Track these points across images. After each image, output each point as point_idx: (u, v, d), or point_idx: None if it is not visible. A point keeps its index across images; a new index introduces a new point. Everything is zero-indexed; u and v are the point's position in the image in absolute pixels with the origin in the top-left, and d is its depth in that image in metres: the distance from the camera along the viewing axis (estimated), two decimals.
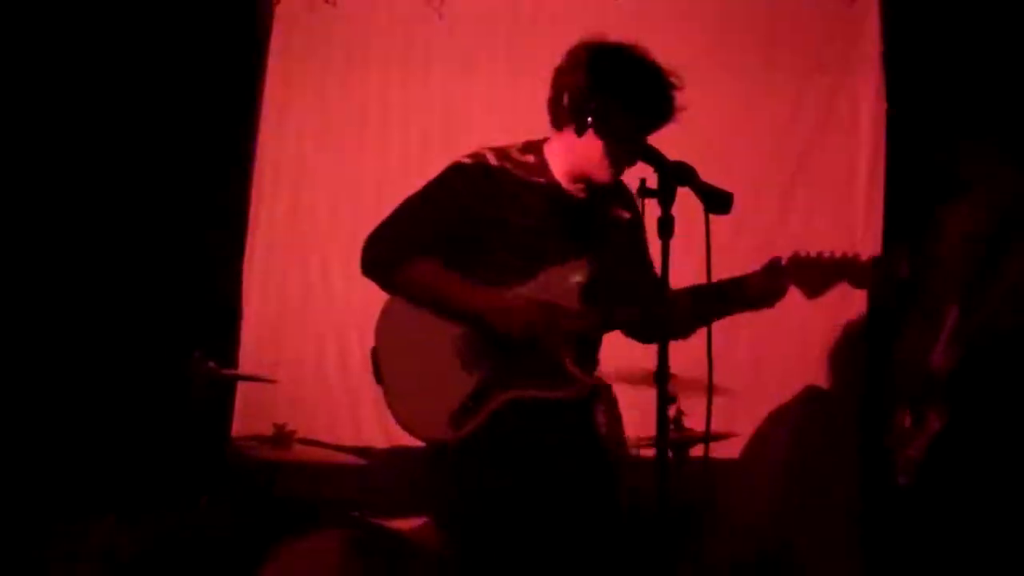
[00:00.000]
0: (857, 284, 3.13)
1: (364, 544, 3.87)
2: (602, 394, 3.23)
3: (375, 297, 3.24)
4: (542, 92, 3.21)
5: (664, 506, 2.69)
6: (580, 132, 3.08)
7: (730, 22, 4.94)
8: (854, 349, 4.84)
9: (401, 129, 5.03)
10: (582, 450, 3.17)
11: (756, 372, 4.77)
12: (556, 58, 3.19)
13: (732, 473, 4.70)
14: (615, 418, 3.26)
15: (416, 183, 3.25)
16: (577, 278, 3.12)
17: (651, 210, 2.77)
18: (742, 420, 4.66)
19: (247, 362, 4.91)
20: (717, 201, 2.70)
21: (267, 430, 4.14)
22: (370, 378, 4.85)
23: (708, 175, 2.79)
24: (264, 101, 5.08)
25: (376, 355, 3.21)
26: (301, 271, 5.01)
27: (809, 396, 4.88)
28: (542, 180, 3.18)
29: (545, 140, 3.24)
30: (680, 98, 3.11)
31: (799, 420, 4.85)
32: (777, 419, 4.86)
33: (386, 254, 3.16)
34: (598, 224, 3.19)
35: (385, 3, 5.08)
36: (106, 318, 4.87)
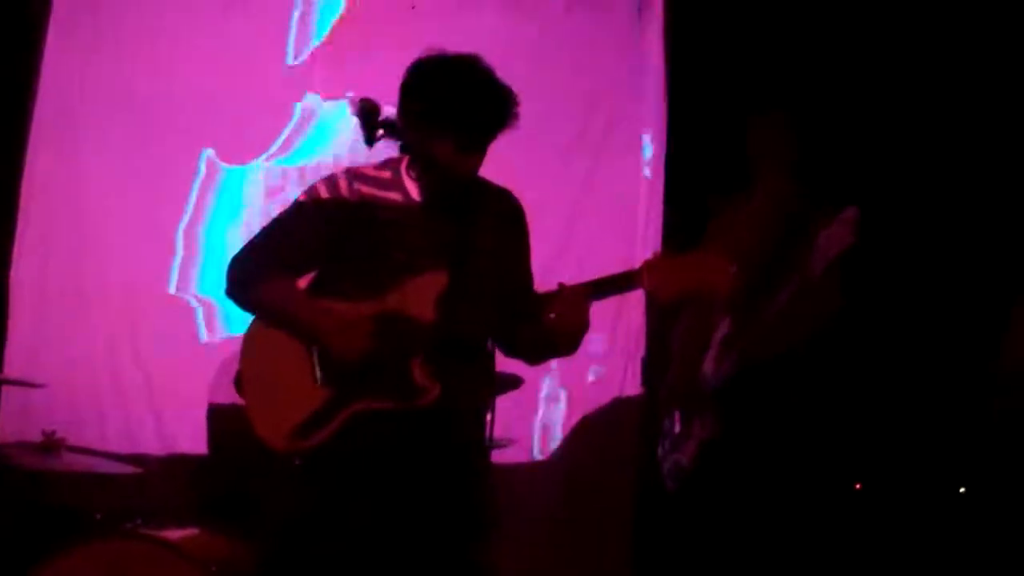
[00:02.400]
0: (715, 285, 3.00)
1: (132, 557, 3.77)
2: (462, 402, 3.17)
3: (151, 302, 3.20)
4: None
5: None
6: (404, 146, 3.13)
7: (516, 47, 4.95)
8: (632, 357, 4.98)
9: (188, 118, 4.93)
10: (433, 462, 3.15)
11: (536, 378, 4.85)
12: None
13: (515, 479, 4.77)
14: (474, 425, 3.21)
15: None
16: (433, 289, 3.12)
17: None
18: (520, 427, 4.75)
19: (13, 365, 4.72)
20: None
21: (35, 437, 4.00)
22: (145, 384, 4.82)
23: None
24: (41, 82, 4.90)
25: (239, 376, 3.23)
26: (74, 272, 4.85)
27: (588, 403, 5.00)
28: (397, 195, 3.20)
29: (403, 158, 3.24)
30: (505, 96, 3.11)
31: (577, 427, 4.96)
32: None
33: (242, 276, 3.21)
34: (458, 234, 3.18)
35: None
36: None
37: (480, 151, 3.11)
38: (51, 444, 3.96)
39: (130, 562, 3.71)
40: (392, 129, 3.07)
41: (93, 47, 4.93)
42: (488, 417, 3.17)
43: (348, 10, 5.07)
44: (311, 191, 3.21)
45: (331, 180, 3.21)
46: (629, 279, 3.00)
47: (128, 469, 4.17)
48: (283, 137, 5.00)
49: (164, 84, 4.92)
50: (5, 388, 4.67)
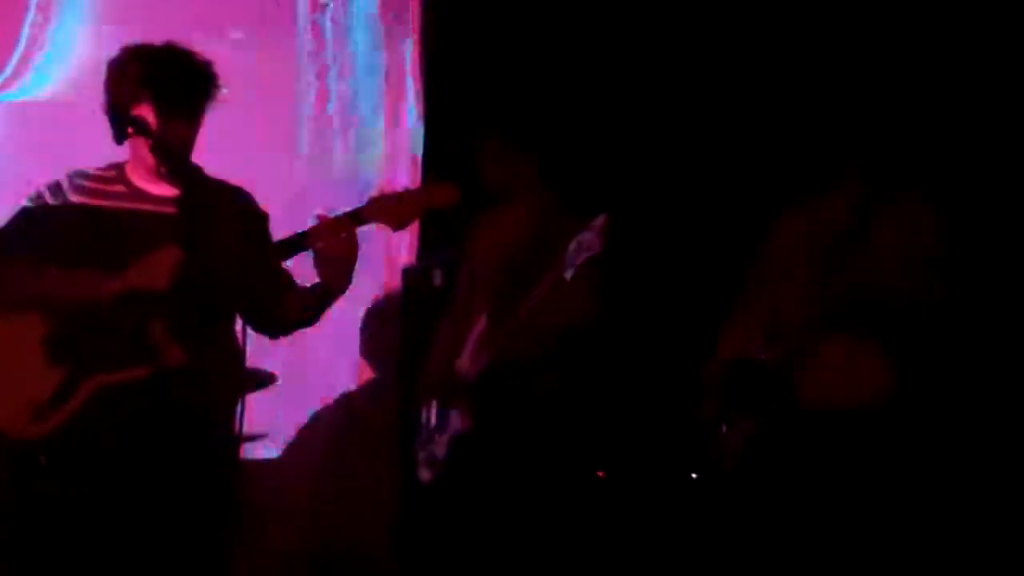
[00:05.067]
0: (444, 205, 3.31)
1: None
2: (206, 365, 3.23)
3: None
4: None
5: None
6: (119, 138, 3.22)
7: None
8: (390, 352, 5.06)
9: None
10: (177, 433, 3.19)
11: (297, 373, 4.88)
12: None
13: (273, 472, 4.79)
14: (220, 392, 3.27)
15: None
16: (167, 260, 3.15)
17: None
18: (284, 419, 4.79)
19: None
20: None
21: None
22: None
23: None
24: None
25: None
26: None
27: (348, 397, 5.06)
28: (120, 187, 3.28)
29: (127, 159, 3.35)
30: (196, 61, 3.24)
31: (337, 420, 5.02)
32: (315, 419, 5.01)
33: None
34: (188, 215, 3.22)
35: None
36: None
37: (183, 117, 3.19)
38: None
39: None
40: (140, 127, 3.11)
41: None
42: (237, 408, 3.23)
43: None
44: (34, 196, 3.27)
45: (55, 184, 3.27)
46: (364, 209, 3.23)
47: None
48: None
49: None
50: None
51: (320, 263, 3.23)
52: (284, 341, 4.56)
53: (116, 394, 3.15)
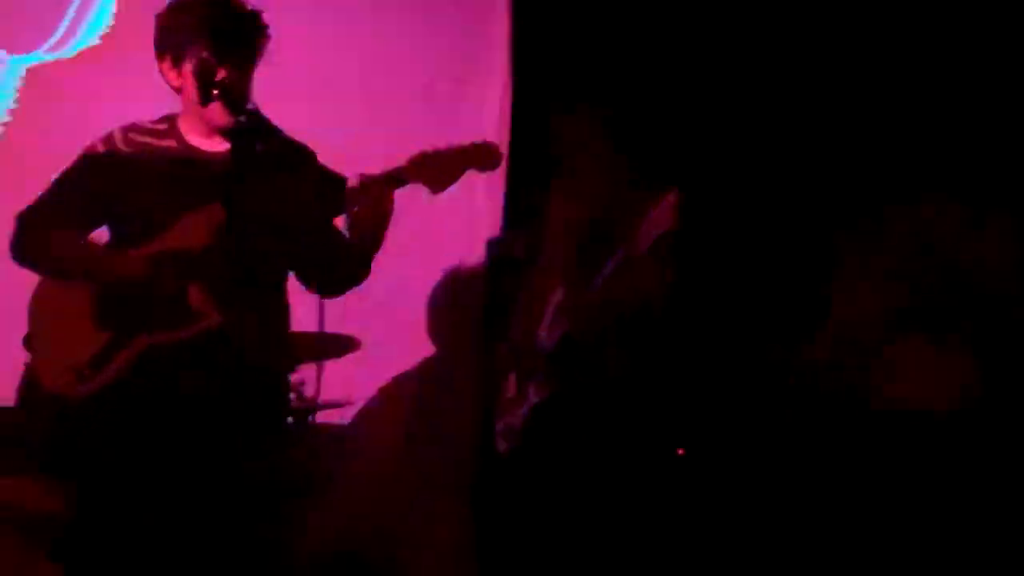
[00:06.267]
0: (485, 167, 3.25)
1: None
2: (247, 327, 3.22)
3: None
4: None
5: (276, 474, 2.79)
6: (175, 91, 3.23)
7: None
8: (474, 325, 5.06)
9: None
10: (219, 393, 3.21)
11: (377, 342, 4.91)
12: None
13: (347, 441, 4.83)
14: (263, 352, 3.26)
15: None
16: (210, 220, 3.16)
17: None
18: (362, 387, 4.81)
19: None
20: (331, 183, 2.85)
21: None
22: None
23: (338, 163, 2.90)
24: None
25: (27, 340, 3.28)
26: None
27: (428, 366, 5.07)
28: (171, 142, 3.28)
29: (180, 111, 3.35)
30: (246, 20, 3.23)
31: (418, 389, 5.04)
32: (395, 388, 5.03)
33: (24, 235, 3.27)
34: (237, 171, 3.23)
35: None
36: None
37: (239, 66, 3.16)
38: None
39: None
40: (227, 93, 3.11)
41: None
42: (287, 372, 3.22)
43: None
44: (88, 147, 3.29)
45: (108, 135, 3.29)
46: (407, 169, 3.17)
47: None
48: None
49: None
50: None
51: (354, 224, 3.20)
52: (367, 310, 4.69)
53: (159, 356, 3.18)
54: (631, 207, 3.61)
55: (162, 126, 3.31)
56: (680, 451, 4.31)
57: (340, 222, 3.25)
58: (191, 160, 3.26)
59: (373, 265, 3.33)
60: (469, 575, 4.26)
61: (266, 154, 3.25)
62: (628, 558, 3.75)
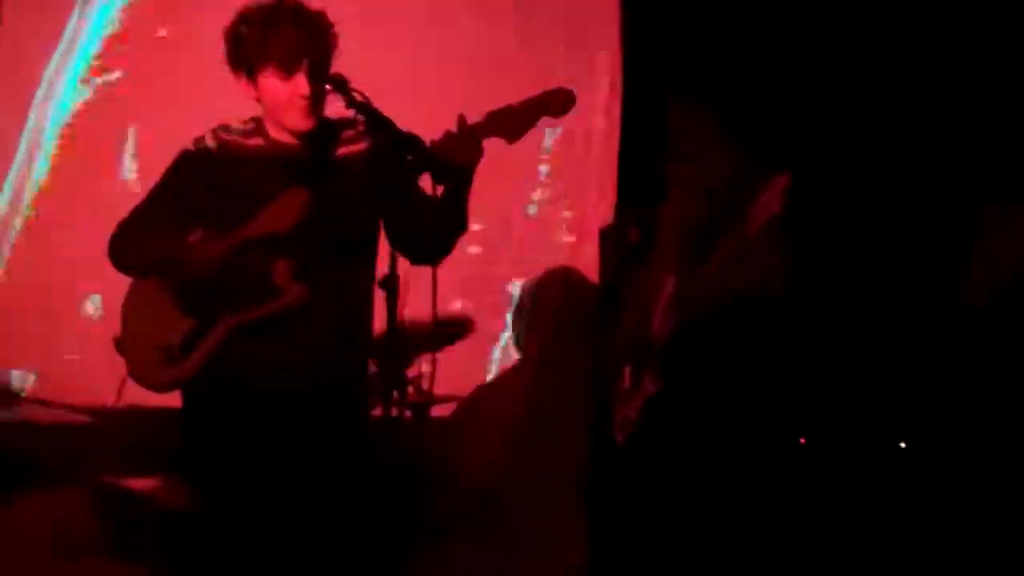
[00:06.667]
0: (557, 112, 3.19)
1: (96, 502, 3.83)
2: (334, 301, 3.23)
3: (101, 254, 3.29)
4: None
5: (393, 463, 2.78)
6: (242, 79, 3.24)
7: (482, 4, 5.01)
8: (587, 315, 5.02)
9: None
10: (314, 374, 3.23)
11: (491, 332, 4.90)
12: None
13: (460, 431, 4.82)
14: (351, 325, 3.28)
15: None
16: (293, 203, 3.19)
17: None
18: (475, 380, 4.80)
19: None
20: (443, 172, 2.80)
21: None
22: (103, 335, 4.84)
23: None
24: None
25: (119, 343, 3.32)
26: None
27: (541, 356, 5.04)
28: (259, 140, 3.31)
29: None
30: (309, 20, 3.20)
31: (531, 379, 5.01)
32: (508, 377, 5.01)
33: (123, 241, 3.31)
34: (321, 164, 3.26)
35: None
36: None
37: (306, 71, 3.14)
38: (8, 395, 4.01)
39: (92, 508, 3.78)
40: (337, 85, 3.10)
41: None
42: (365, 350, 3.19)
43: None
44: (181, 151, 3.33)
45: (199, 136, 3.33)
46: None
47: (85, 420, 4.21)
48: None
49: None
50: None
51: (440, 177, 3.15)
52: (479, 301, 4.70)
53: (246, 335, 3.20)
54: (743, 192, 3.54)
55: (249, 126, 3.34)
56: (802, 440, 4.23)
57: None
58: (276, 154, 3.29)
59: (489, 255, 3.31)
60: (582, 567, 4.24)
61: (345, 131, 3.29)
62: (748, 550, 3.69)
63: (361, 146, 3.31)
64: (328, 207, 3.19)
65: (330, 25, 3.23)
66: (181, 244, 3.22)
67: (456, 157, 3.13)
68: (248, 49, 3.19)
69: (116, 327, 3.40)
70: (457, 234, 3.27)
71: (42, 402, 4.34)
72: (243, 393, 3.22)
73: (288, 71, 3.17)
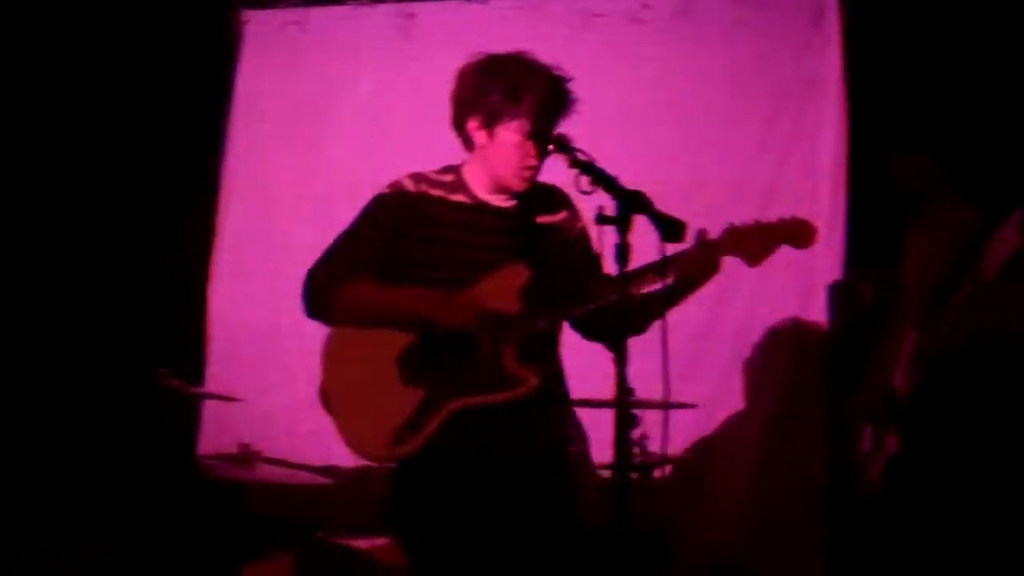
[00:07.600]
0: (799, 245, 3.15)
1: (322, 564, 3.87)
2: (553, 392, 3.24)
3: None
4: None
5: (625, 530, 2.72)
6: (468, 145, 3.21)
7: (697, 48, 4.98)
8: (817, 369, 4.89)
9: (368, 152, 5.06)
10: (535, 452, 3.21)
11: (720, 391, 4.81)
12: None
13: (696, 491, 4.73)
14: (567, 416, 3.30)
15: None
16: (515, 280, 3.15)
17: (611, 239, 2.78)
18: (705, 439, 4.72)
19: (213, 380, 4.92)
20: (671, 229, 2.75)
21: (233, 448, 4.15)
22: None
23: (672, 204, 2.80)
24: (232, 122, 5.12)
25: (323, 390, 3.27)
26: (269, 290, 5.02)
27: (776, 413, 4.92)
28: (462, 196, 3.25)
29: (464, 163, 3.31)
30: (560, 86, 3.17)
31: (764, 437, 4.89)
32: (742, 436, 4.91)
33: (321, 286, 3.23)
34: (529, 230, 3.23)
35: (353, 25, 5.13)
36: (74, 336, 4.87)
37: (544, 138, 3.09)
38: (247, 455, 4.11)
39: (322, 570, 3.83)
40: (561, 145, 3.04)
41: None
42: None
43: None
44: (377, 195, 3.26)
45: (395, 182, 3.26)
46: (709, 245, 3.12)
47: (320, 480, 4.29)
48: None
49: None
50: (205, 403, 4.86)
51: (674, 288, 3.13)
52: (707, 356, 4.63)
53: (471, 417, 3.15)
54: (977, 239, 3.39)
55: (447, 177, 3.26)
56: None
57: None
58: (483, 215, 3.23)
59: (719, 311, 3.25)
60: None
61: (545, 204, 3.25)
62: None
63: (562, 215, 3.27)
64: (545, 283, 3.15)
65: (573, 93, 3.17)
66: (413, 294, 3.15)
67: (692, 271, 3.10)
68: (494, 97, 3.12)
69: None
70: (649, 326, 3.19)
71: (278, 461, 4.44)
72: (455, 458, 3.18)
73: (534, 134, 3.11)
